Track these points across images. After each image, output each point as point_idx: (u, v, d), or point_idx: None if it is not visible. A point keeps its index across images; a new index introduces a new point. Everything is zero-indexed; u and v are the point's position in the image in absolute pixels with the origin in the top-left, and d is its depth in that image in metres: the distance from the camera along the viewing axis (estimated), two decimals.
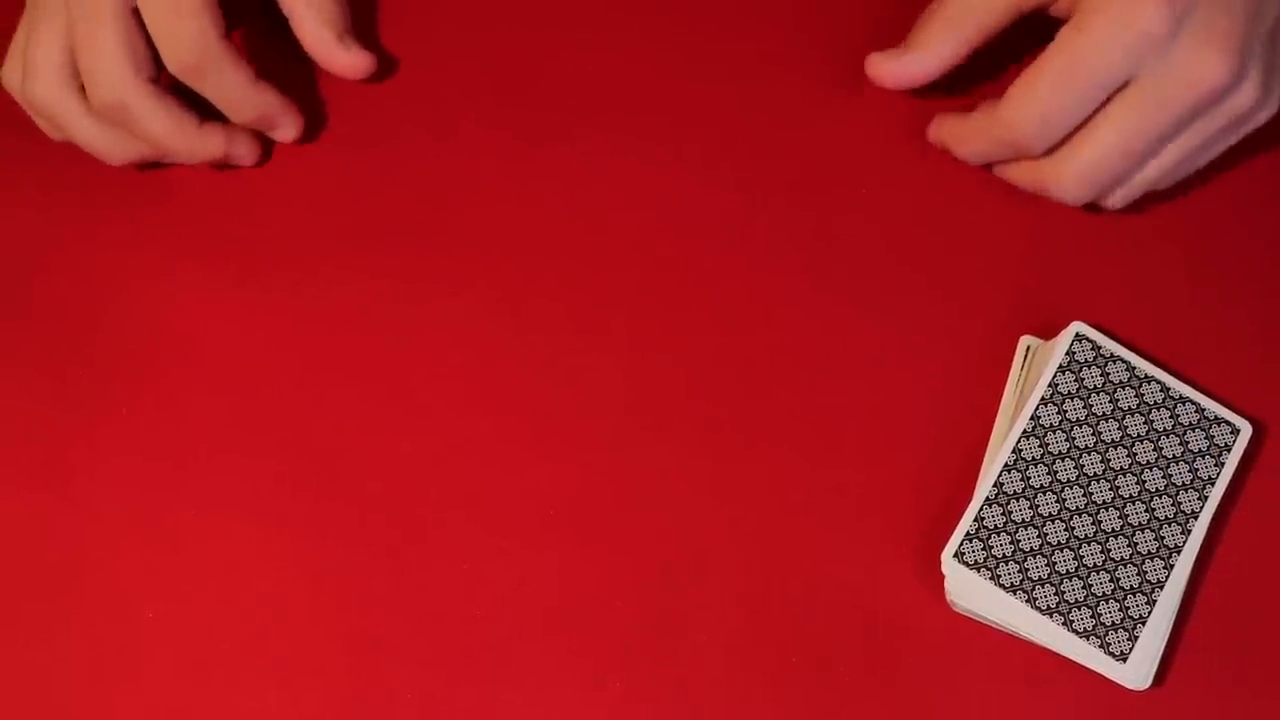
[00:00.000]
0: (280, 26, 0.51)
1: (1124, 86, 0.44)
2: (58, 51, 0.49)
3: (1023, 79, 0.45)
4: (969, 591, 0.45)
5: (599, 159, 0.52)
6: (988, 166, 0.50)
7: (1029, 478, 0.46)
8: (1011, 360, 0.49)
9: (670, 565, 0.47)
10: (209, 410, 0.49)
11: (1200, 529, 0.45)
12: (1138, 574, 0.45)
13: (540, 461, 0.48)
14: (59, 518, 0.47)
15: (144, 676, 0.45)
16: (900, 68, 0.49)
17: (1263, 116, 0.46)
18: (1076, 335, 0.47)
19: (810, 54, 0.53)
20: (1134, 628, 0.44)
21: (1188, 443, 0.46)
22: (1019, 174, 0.48)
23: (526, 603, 0.46)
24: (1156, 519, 0.45)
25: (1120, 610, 0.44)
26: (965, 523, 0.45)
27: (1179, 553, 0.45)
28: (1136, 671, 0.44)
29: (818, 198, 0.51)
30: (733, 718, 0.45)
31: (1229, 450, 0.46)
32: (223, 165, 0.52)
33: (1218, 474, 0.46)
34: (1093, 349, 0.47)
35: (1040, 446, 0.46)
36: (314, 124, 0.53)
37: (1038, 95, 0.44)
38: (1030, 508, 0.45)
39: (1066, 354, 0.47)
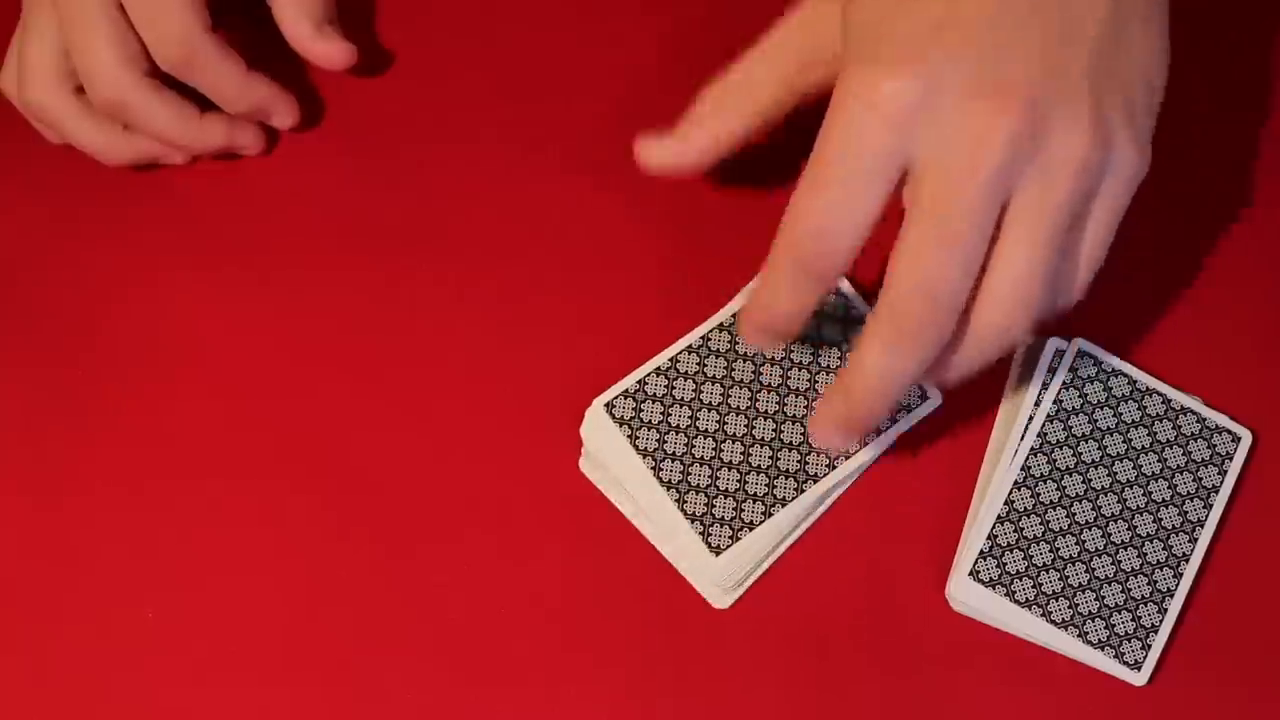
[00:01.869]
0: (270, 20, 0.51)
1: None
2: (51, 55, 0.49)
3: (798, 191, 0.39)
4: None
5: (598, 159, 0.52)
6: None
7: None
8: (1011, 361, 0.49)
9: (670, 565, 0.47)
10: (208, 409, 0.49)
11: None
12: (767, 485, 0.45)
13: (540, 461, 0.48)
14: (58, 517, 0.48)
15: (144, 676, 0.46)
16: (664, 154, 0.46)
17: (1125, 167, 0.39)
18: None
19: None
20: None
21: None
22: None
23: (526, 603, 0.46)
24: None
25: (734, 510, 0.45)
26: (627, 381, 0.46)
27: (814, 482, 0.45)
28: (725, 570, 0.44)
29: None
30: (733, 718, 0.45)
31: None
32: (228, 155, 0.52)
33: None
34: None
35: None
36: (314, 124, 0.53)
37: (811, 206, 0.39)
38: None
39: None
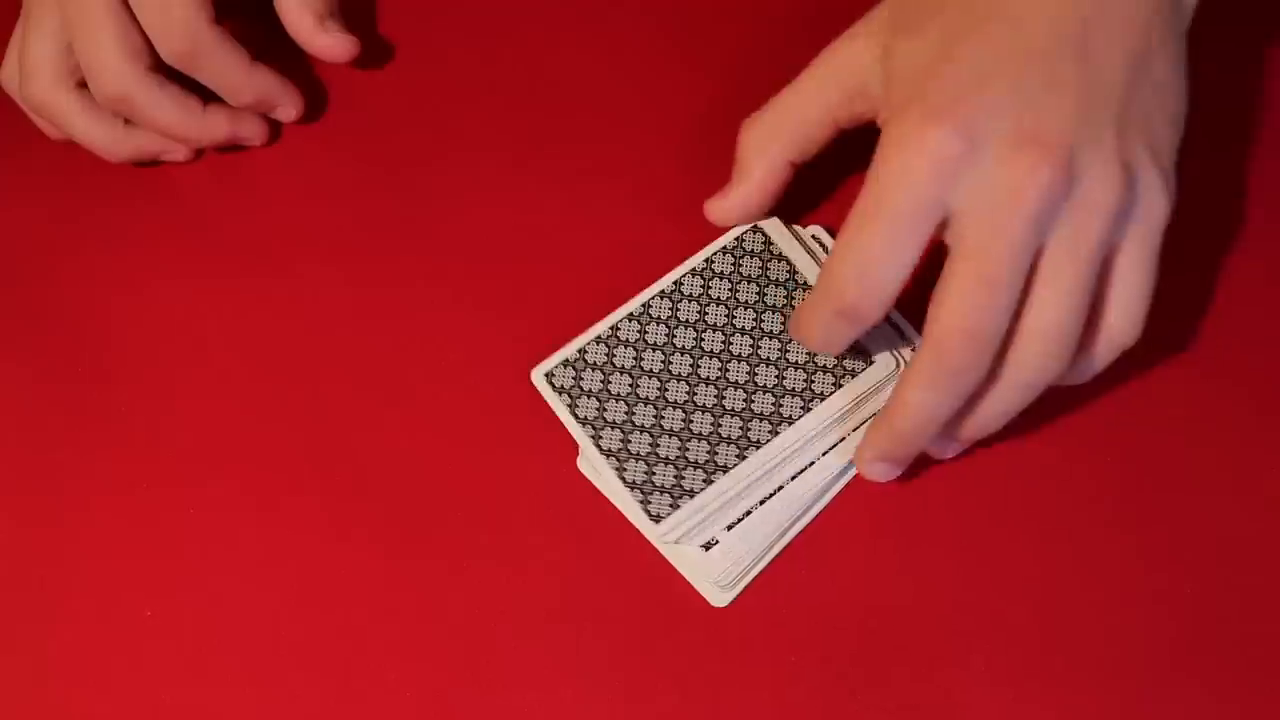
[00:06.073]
0: (273, 14, 0.51)
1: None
2: (53, 51, 0.49)
3: (842, 232, 0.41)
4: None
5: (602, 155, 0.51)
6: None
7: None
8: None
9: (672, 565, 0.46)
10: (207, 408, 0.49)
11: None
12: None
13: (540, 461, 0.47)
14: (56, 516, 0.48)
15: (143, 676, 0.45)
16: (729, 210, 0.47)
17: (1154, 209, 0.41)
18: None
19: (810, 56, 0.52)
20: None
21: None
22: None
23: (526, 603, 0.46)
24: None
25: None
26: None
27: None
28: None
29: (820, 202, 0.50)
30: (733, 716, 0.45)
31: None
32: (230, 148, 0.52)
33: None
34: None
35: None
36: (316, 119, 0.53)
37: (856, 245, 0.40)
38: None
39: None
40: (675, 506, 0.44)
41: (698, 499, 0.44)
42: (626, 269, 0.50)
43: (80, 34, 0.48)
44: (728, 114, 0.52)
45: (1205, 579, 0.45)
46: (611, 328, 0.47)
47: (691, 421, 0.45)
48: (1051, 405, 0.45)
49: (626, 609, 0.46)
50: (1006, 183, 0.39)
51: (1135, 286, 0.41)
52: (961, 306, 0.39)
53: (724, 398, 0.46)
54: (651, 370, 0.46)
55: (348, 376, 0.49)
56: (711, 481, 0.45)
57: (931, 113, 0.40)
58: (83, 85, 0.50)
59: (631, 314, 0.47)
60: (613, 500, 0.46)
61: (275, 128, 0.52)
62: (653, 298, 0.47)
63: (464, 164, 0.52)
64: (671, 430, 0.45)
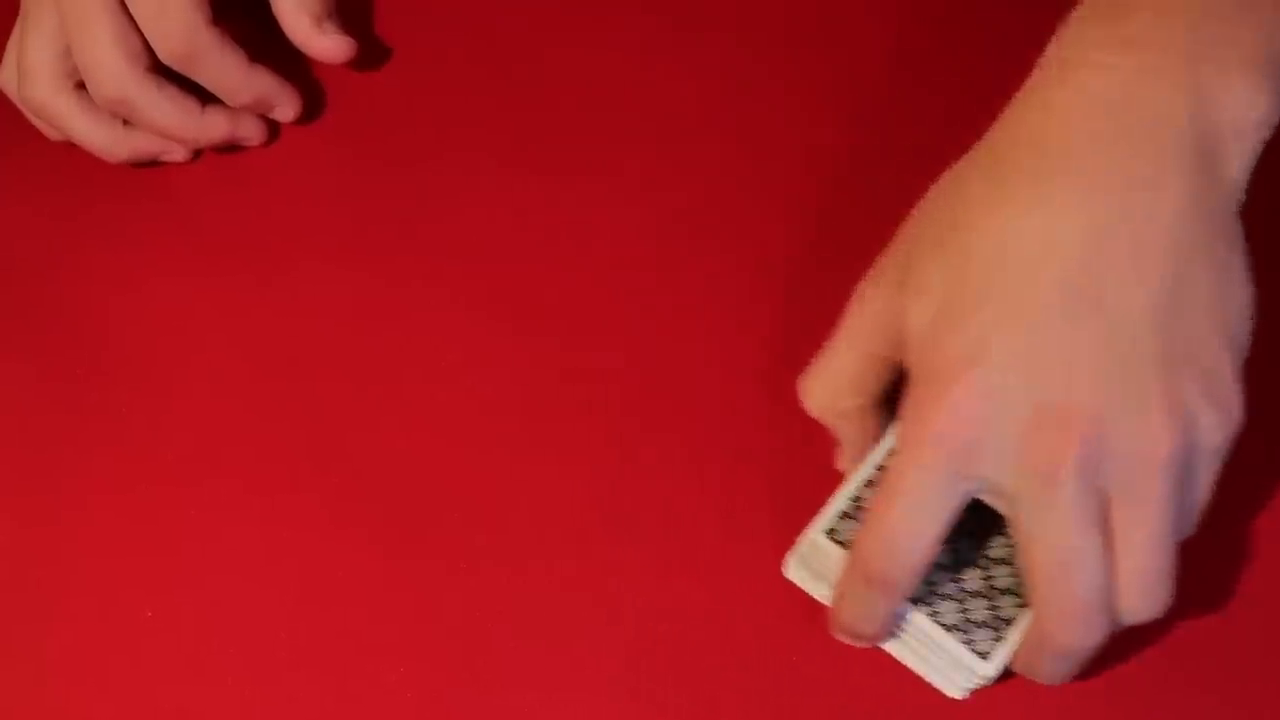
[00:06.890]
0: (270, 16, 0.51)
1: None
2: (50, 52, 0.49)
3: (871, 507, 0.39)
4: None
5: (597, 156, 0.51)
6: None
7: None
8: None
9: (671, 564, 0.46)
10: (207, 409, 0.49)
11: None
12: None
13: (539, 462, 0.47)
14: (56, 517, 0.48)
15: (143, 676, 0.45)
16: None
17: (1215, 439, 0.37)
18: None
19: (812, 58, 0.52)
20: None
21: None
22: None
23: (527, 603, 0.46)
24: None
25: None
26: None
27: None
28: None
29: (818, 201, 0.50)
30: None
31: None
32: (228, 148, 0.52)
33: None
34: None
35: None
36: (313, 120, 0.53)
37: (879, 520, 0.38)
38: None
39: None
40: (999, 639, 0.40)
41: (1017, 624, 0.41)
42: (626, 268, 0.50)
43: (78, 36, 0.48)
44: (727, 114, 0.52)
45: (1214, 584, 0.45)
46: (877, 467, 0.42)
47: (987, 547, 0.41)
48: None
49: (626, 610, 0.45)
50: (1034, 468, 0.36)
51: (1199, 498, 0.38)
52: (1051, 595, 0.38)
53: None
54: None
55: (346, 376, 0.49)
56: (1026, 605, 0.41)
57: (936, 394, 0.37)
58: (81, 87, 0.50)
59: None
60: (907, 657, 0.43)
61: (273, 128, 0.53)
62: None
63: (463, 164, 0.52)
64: (970, 561, 0.41)
